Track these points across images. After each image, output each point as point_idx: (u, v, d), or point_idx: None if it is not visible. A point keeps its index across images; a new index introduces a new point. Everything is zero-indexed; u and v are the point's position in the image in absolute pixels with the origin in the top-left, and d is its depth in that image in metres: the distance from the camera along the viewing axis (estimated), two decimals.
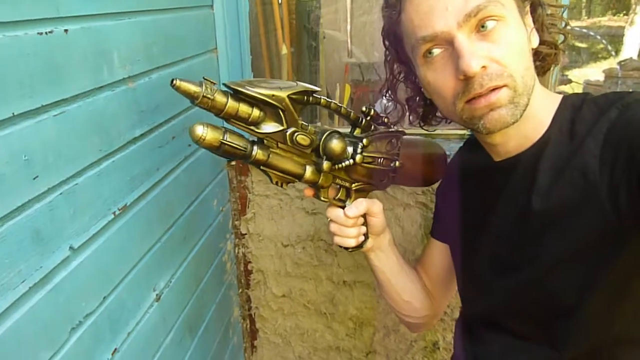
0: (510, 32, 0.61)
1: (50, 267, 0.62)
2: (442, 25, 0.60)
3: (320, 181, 0.71)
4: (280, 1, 1.44)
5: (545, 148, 0.66)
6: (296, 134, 0.66)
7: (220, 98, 0.59)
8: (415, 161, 0.82)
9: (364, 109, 0.75)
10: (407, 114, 0.84)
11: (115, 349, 0.77)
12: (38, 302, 0.59)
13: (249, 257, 1.38)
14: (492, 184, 0.74)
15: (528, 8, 0.66)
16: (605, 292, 0.62)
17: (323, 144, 0.68)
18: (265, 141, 0.65)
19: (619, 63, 3.14)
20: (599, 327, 0.64)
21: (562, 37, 0.72)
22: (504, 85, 0.61)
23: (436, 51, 0.63)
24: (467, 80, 0.61)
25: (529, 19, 0.67)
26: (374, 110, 0.75)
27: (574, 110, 0.65)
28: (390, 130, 0.77)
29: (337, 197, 0.77)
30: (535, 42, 0.67)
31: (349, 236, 0.78)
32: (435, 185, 0.93)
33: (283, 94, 0.62)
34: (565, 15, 0.98)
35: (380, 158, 0.75)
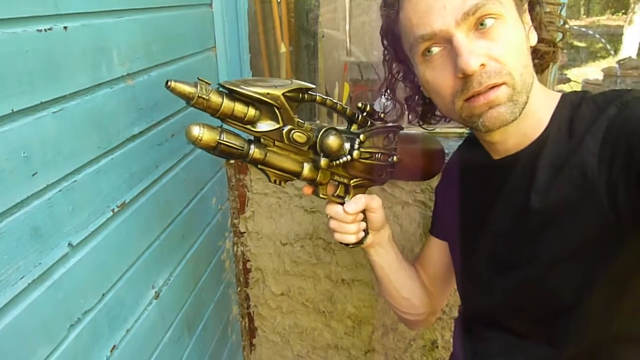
0: (509, 30, 0.61)
1: (49, 263, 0.62)
2: (440, 23, 0.60)
3: (318, 178, 0.71)
4: (279, 0, 1.44)
5: (544, 146, 0.66)
6: (292, 131, 0.65)
7: (215, 98, 0.59)
8: (414, 156, 0.82)
9: (360, 105, 0.75)
10: (406, 113, 0.84)
11: (114, 345, 0.77)
12: (37, 299, 0.59)
13: (248, 255, 1.38)
14: (491, 182, 0.74)
15: (526, 6, 0.66)
16: (604, 290, 0.62)
17: (320, 141, 0.68)
18: (262, 140, 0.65)
19: (618, 62, 3.13)
20: (598, 325, 0.64)
21: (560, 35, 0.72)
22: (503, 83, 0.61)
23: (435, 50, 0.63)
24: (465, 78, 0.61)
25: (527, 16, 0.67)
26: (370, 106, 0.75)
27: (573, 108, 0.65)
28: (387, 125, 0.77)
29: (336, 194, 0.77)
30: (533, 40, 0.67)
31: (349, 232, 0.78)
32: (435, 183, 0.93)
33: (278, 92, 0.62)
34: (563, 13, 0.98)
35: (378, 153, 0.75)
